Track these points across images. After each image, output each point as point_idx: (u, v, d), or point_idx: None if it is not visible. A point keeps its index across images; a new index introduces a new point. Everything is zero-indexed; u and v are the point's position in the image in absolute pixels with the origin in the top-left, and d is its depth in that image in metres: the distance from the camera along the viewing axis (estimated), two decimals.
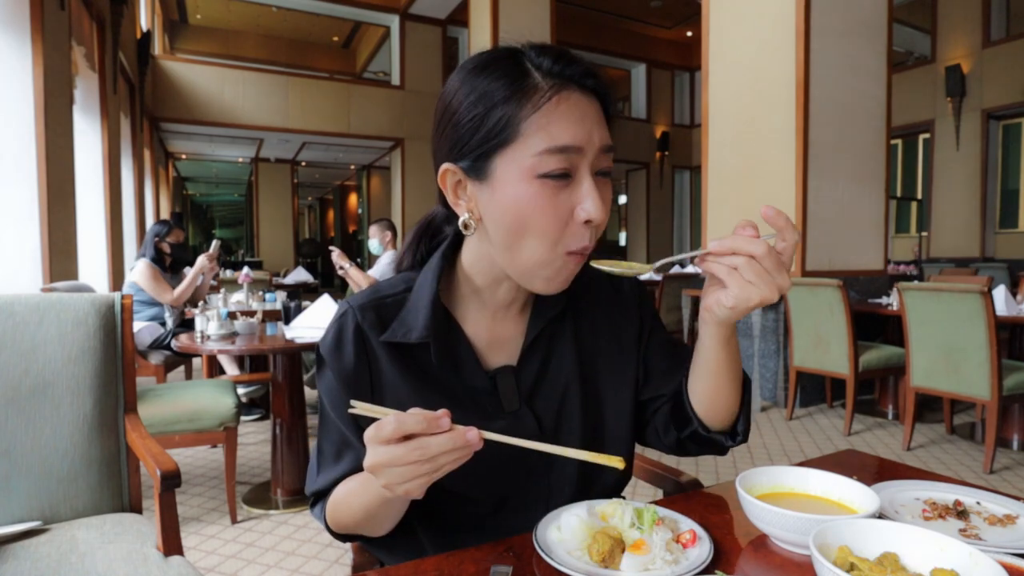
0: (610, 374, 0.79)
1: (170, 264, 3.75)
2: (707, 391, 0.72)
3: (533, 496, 0.75)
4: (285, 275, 8.30)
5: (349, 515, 0.69)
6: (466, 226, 0.67)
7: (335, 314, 0.74)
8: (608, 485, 0.81)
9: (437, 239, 0.78)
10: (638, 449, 0.88)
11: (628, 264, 0.63)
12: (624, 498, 0.80)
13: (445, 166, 0.66)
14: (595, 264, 0.63)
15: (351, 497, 0.68)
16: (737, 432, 0.76)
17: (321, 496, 0.74)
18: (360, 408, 0.56)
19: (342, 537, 0.75)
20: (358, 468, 0.70)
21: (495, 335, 0.75)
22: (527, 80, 0.61)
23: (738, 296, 0.59)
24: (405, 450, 0.51)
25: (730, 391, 0.72)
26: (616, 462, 0.56)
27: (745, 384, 0.75)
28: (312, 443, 2.89)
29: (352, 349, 0.70)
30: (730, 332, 0.68)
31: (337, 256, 3.78)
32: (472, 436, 0.53)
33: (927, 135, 10.03)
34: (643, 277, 8.13)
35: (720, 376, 0.71)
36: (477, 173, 0.64)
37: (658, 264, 0.62)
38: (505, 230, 0.63)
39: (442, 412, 0.53)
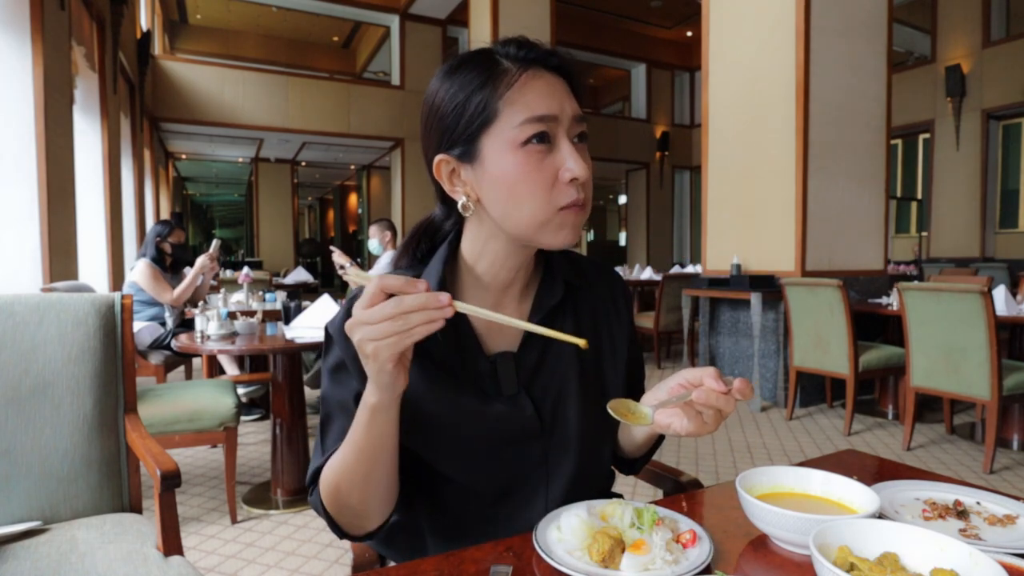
0: (607, 365, 0.82)
1: (171, 264, 3.75)
2: (625, 447, 0.85)
3: (531, 484, 0.76)
4: (285, 275, 8.30)
5: (340, 470, 0.67)
6: (465, 208, 0.71)
7: (346, 299, 0.77)
8: (605, 472, 0.85)
9: (438, 236, 0.81)
10: None
11: (633, 415, 0.66)
12: (620, 495, 0.80)
13: (439, 157, 0.71)
14: (610, 407, 0.65)
15: (342, 450, 0.67)
16: (635, 467, 0.91)
17: (319, 475, 0.73)
18: (352, 273, 0.60)
19: (340, 532, 0.73)
20: None
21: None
22: (498, 67, 0.68)
23: (693, 432, 0.67)
24: (382, 304, 0.55)
25: (643, 450, 0.86)
26: (580, 342, 0.58)
27: (656, 441, 0.86)
28: (312, 443, 2.89)
29: None
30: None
31: (338, 256, 3.79)
32: (444, 298, 0.55)
33: (927, 135, 10.03)
34: (643, 277, 8.04)
35: (646, 447, 0.84)
36: (468, 156, 0.69)
37: (656, 409, 0.66)
38: (502, 200, 0.68)
39: (422, 280, 0.56)
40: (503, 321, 0.59)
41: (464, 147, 0.69)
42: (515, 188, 0.67)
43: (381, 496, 0.70)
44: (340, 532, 0.73)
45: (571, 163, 0.67)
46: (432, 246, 0.80)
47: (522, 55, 0.69)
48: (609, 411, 0.64)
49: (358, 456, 0.65)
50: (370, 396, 0.61)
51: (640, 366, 0.90)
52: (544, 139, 0.67)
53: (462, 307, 0.57)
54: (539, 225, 0.68)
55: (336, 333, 0.73)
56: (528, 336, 0.77)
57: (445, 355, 0.74)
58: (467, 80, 0.68)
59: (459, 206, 0.71)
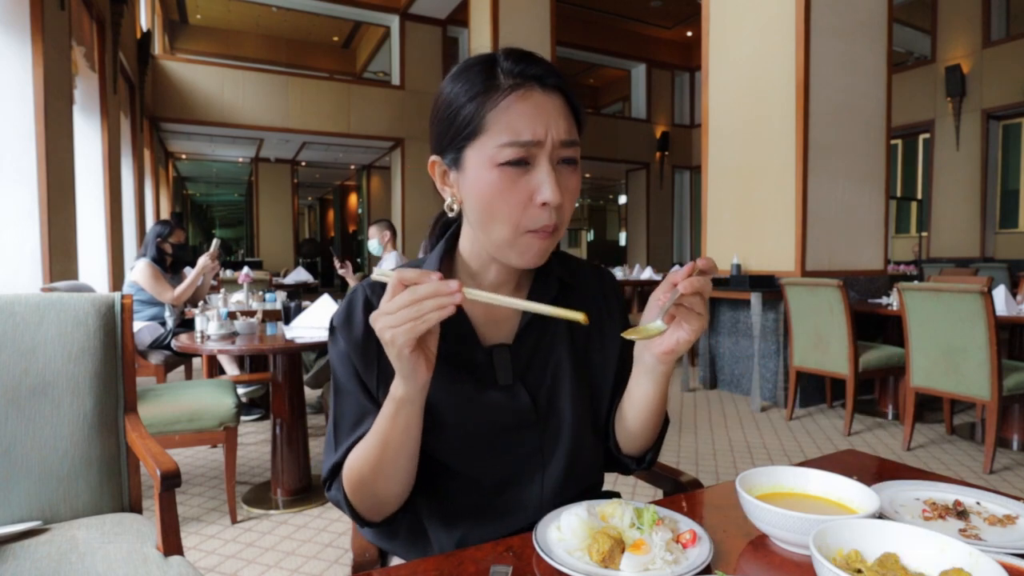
0: (599, 359, 0.84)
1: (171, 264, 3.75)
2: (636, 426, 0.79)
3: (527, 472, 0.78)
4: (285, 275, 8.29)
5: (364, 460, 0.70)
6: (450, 208, 0.76)
7: (347, 294, 0.81)
8: (596, 464, 0.85)
9: (446, 224, 0.85)
10: None
11: (646, 330, 0.67)
12: (619, 495, 0.80)
13: (432, 158, 0.76)
14: (625, 335, 0.67)
15: (367, 441, 0.70)
16: (644, 461, 0.84)
17: (338, 471, 0.75)
18: (377, 275, 0.64)
19: (359, 520, 0.75)
20: None
21: (492, 314, 0.80)
22: (492, 81, 0.69)
23: (697, 328, 0.67)
24: (400, 295, 0.59)
25: (655, 428, 0.80)
26: (579, 317, 0.60)
27: (664, 422, 0.83)
28: (312, 443, 2.89)
29: (362, 319, 0.76)
30: (672, 370, 0.74)
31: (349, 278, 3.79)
32: (454, 285, 0.58)
33: (927, 135, 10.03)
34: (643, 277, 8.04)
35: (653, 416, 0.78)
36: (455, 163, 0.73)
37: (665, 314, 0.66)
38: (477, 212, 0.71)
39: (436, 272, 0.60)
40: (510, 304, 0.61)
41: (452, 155, 0.72)
42: (490, 204, 0.69)
43: (403, 482, 0.72)
44: (360, 520, 0.75)
45: (545, 187, 0.68)
46: (444, 232, 0.84)
47: (518, 70, 0.69)
48: (625, 337, 0.66)
49: (384, 447, 0.68)
50: (396, 389, 0.64)
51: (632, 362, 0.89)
52: (521, 164, 0.68)
53: (471, 293, 0.60)
54: (506, 244, 0.71)
55: (340, 325, 0.77)
56: (524, 328, 0.79)
57: (444, 345, 0.75)
58: (462, 90, 0.70)
59: (444, 205, 0.76)
